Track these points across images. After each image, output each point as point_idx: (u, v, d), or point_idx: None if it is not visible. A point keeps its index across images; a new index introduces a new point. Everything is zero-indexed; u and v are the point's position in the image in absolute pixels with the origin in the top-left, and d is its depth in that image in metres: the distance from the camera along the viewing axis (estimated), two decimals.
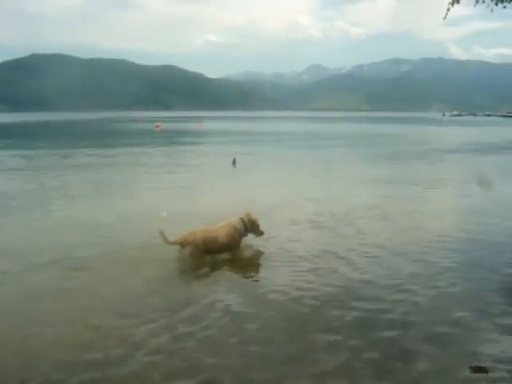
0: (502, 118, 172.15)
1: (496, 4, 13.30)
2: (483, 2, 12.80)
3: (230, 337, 5.84)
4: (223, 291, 7.35)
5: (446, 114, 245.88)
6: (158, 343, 5.65)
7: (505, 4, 13.38)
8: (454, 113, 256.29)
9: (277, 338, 5.82)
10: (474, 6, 12.90)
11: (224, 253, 9.02)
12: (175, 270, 8.45)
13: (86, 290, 7.32)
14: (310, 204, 14.04)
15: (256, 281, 7.93)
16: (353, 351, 5.46)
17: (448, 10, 12.20)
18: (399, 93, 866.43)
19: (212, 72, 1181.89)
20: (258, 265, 8.74)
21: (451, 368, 5.14)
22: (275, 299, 6.94)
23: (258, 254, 9.26)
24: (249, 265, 8.90)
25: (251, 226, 9.33)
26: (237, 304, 6.78)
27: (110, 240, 9.96)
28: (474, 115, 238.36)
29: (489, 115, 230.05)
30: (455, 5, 13.34)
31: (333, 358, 5.34)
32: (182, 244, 8.62)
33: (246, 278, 8.11)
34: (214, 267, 8.54)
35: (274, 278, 7.86)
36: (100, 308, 6.73)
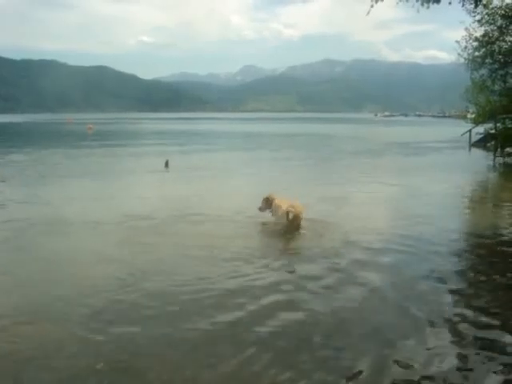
0: (432, 118, 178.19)
1: (422, 4, 13.63)
2: (407, 1, 13.11)
3: None
4: None
5: (378, 114, 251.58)
6: None
7: (429, 5, 13.73)
8: (386, 113, 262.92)
9: None
10: (397, 3, 13.19)
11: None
12: None
13: None
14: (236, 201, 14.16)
15: None
16: None
17: (372, 6, 12.43)
18: (332, 94, 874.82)
19: (145, 73, 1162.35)
20: None
21: None
22: None
23: None
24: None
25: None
26: None
27: None
28: (406, 116, 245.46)
29: (419, 115, 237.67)
30: (384, 6, 13.61)
31: None
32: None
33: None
34: None
35: None
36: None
